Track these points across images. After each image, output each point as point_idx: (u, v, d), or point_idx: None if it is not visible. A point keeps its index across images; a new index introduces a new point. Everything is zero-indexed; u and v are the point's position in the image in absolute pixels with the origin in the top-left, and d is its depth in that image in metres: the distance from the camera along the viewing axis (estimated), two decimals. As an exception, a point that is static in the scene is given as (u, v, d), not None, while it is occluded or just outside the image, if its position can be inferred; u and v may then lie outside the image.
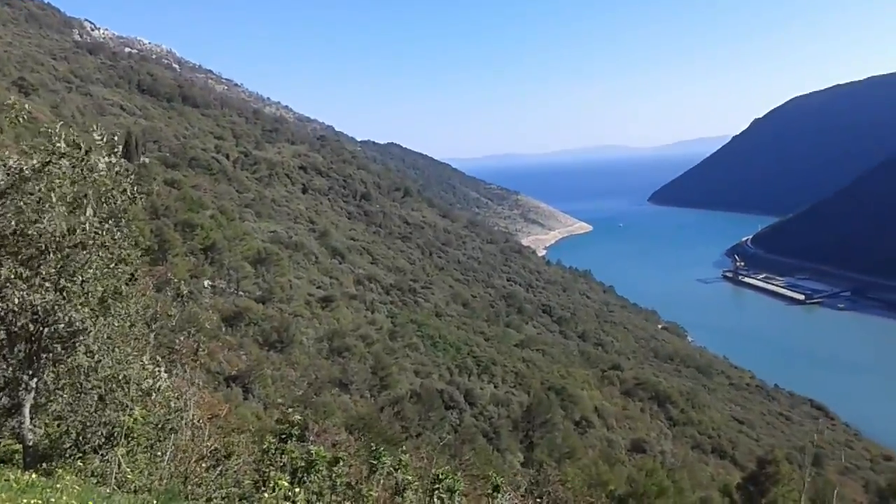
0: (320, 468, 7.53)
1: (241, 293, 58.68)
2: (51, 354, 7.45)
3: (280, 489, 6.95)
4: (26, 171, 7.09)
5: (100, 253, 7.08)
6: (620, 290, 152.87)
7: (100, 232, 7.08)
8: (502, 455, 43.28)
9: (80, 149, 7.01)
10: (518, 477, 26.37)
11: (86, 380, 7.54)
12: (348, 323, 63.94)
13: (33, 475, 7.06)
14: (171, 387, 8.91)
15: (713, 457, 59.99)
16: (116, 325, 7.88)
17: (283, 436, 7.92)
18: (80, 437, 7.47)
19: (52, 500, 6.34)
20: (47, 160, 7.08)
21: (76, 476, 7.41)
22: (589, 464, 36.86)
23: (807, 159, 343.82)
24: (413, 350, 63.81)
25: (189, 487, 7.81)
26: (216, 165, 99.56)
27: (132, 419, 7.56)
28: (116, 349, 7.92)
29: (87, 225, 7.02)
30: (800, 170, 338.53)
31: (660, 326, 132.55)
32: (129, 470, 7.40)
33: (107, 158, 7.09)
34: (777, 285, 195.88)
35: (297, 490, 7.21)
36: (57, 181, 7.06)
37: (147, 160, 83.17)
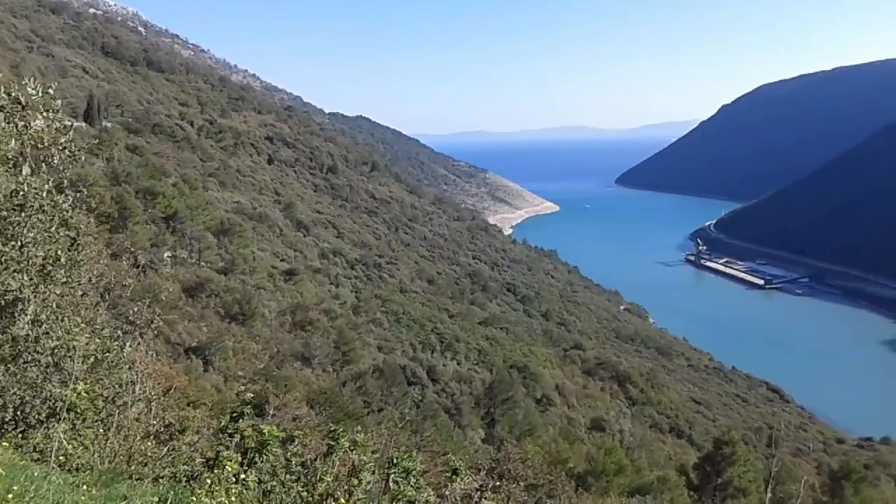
0: (273, 447, 7.24)
1: (202, 264, 57.70)
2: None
3: (229, 470, 6.67)
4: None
5: (38, 216, 6.62)
6: (585, 271, 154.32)
7: (39, 193, 6.61)
8: (463, 431, 43.44)
9: (20, 104, 6.52)
10: (479, 454, 26.39)
11: (26, 351, 7.10)
12: (312, 297, 63.41)
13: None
14: (122, 359, 8.46)
15: (671, 436, 60.91)
16: (63, 293, 7.41)
17: (235, 414, 7.57)
18: (18, 412, 7.06)
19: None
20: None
21: (16, 451, 7.00)
22: (549, 441, 37.11)
23: (773, 146, 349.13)
24: (377, 325, 63.55)
25: (133, 466, 7.43)
26: (180, 132, 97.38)
27: (75, 393, 7.15)
28: (65, 319, 7.45)
29: (26, 185, 6.55)
30: (765, 156, 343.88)
31: (622, 308, 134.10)
32: (70, 447, 7.01)
33: (45, 113, 6.60)
34: (737, 270, 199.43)
35: (248, 471, 6.93)
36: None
37: (109, 125, 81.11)
